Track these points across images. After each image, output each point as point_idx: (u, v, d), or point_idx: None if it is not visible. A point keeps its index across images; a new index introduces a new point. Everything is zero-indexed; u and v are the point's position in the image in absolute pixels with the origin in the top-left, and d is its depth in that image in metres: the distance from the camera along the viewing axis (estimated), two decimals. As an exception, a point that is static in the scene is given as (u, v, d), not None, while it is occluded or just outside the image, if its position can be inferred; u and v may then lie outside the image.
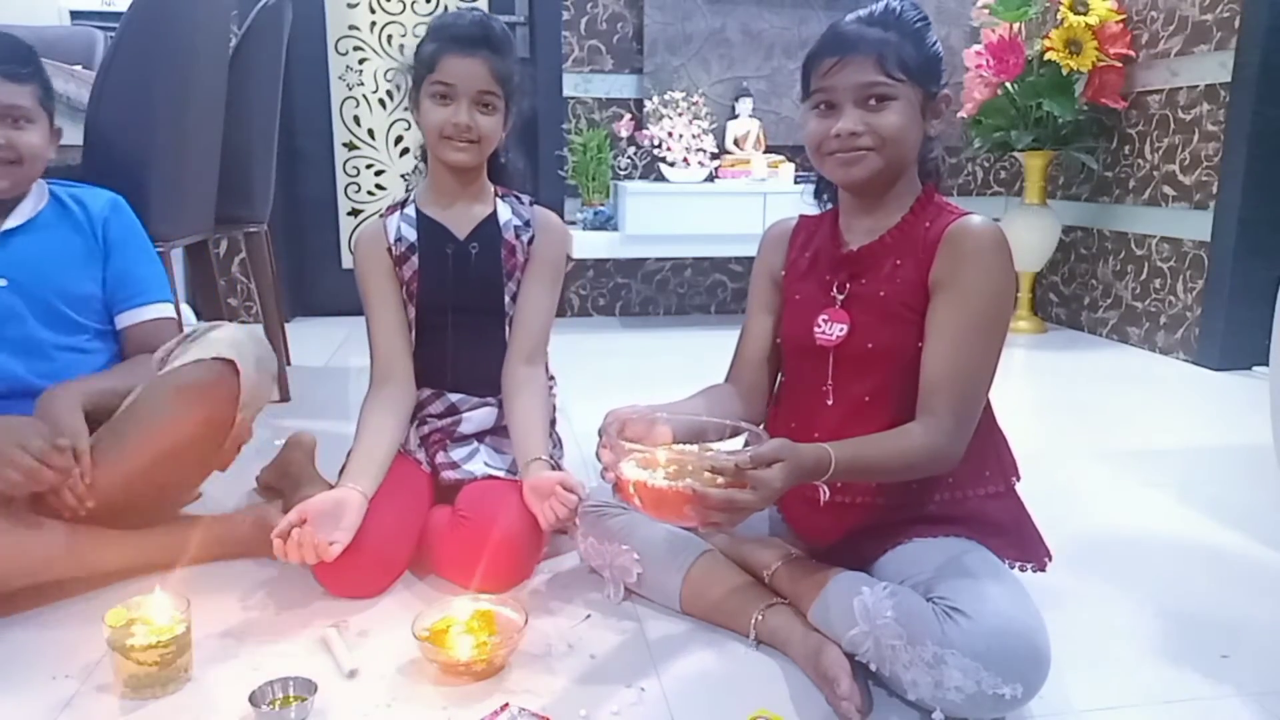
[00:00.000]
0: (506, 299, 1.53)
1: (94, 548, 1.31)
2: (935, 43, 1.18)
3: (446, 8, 3.67)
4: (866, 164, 1.15)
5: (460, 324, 1.52)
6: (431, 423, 1.53)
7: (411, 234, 1.51)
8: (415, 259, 1.50)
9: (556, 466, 1.45)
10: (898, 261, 1.18)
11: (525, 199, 1.58)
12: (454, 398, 1.53)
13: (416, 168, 1.60)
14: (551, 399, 1.61)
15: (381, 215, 1.55)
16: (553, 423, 1.62)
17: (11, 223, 1.41)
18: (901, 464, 1.11)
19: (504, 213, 1.54)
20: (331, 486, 1.38)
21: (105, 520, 1.31)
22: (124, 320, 1.49)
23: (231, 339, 1.39)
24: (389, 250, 1.51)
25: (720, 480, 0.97)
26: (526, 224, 1.54)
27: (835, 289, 1.23)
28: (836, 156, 1.16)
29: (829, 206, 1.31)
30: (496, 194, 1.55)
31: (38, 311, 1.40)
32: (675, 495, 0.97)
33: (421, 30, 3.61)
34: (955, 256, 1.13)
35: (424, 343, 1.54)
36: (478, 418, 1.53)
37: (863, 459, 1.08)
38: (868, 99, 1.13)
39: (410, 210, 1.53)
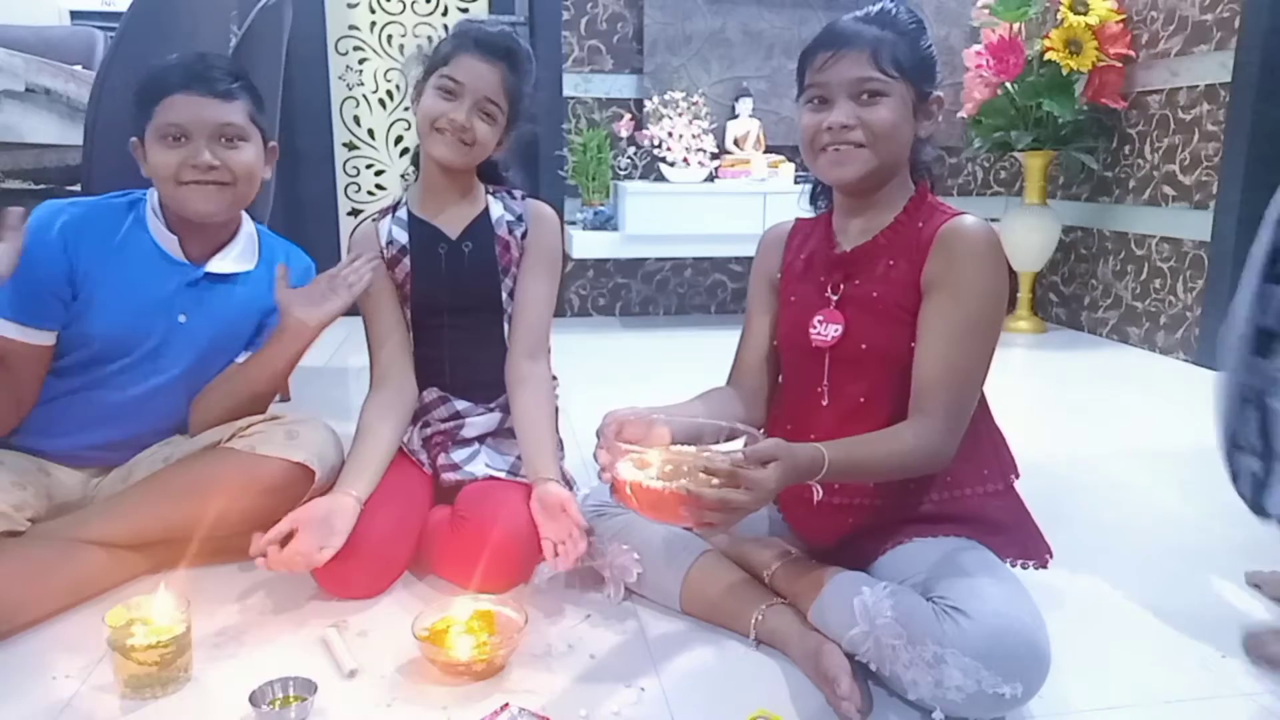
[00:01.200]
0: (504, 295, 1.53)
1: (109, 570, 1.32)
2: (929, 46, 1.19)
3: (447, 8, 3.68)
4: (858, 163, 1.15)
5: (457, 324, 1.52)
6: (435, 424, 1.53)
7: (403, 236, 1.51)
8: (407, 261, 1.50)
9: (569, 485, 1.45)
10: (891, 262, 1.18)
11: (517, 193, 1.57)
12: (459, 405, 1.52)
13: (408, 171, 1.60)
14: (553, 400, 1.61)
15: (374, 219, 1.55)
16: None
17: (219, 266, 1.41)
18: (894, 463, 1.11)
19: (496, 209, 1.53)
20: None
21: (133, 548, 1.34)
22: (239, 357, 1.47)
23: (319, 449, 1.40)
24: (381, 253, 1.50)
25: (715, 481, 0.97)
26: (519, 218, 1.54)
27: (830, 290, 1.23)
28: (828, 154, 1.17)
29: (825, 210, 1.31)
30: (488, 191, 1.55)
31: (198, 360, 1.42)
32: (670, 496, 0.97)
33: (421, 30, 3.65)
34: (948, 256, 1.14)
35: (422, 343, 1.53)
36: (481, 423, 1.53)
37: (856, 458, 1.08)
38: (860, 94, 1.14)
39: (402, 213, 1.53)
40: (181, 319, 1.39)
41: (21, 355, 1.32)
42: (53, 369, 1.37)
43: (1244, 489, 1.22)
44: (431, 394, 1.53)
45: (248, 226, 1.47)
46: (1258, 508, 1.21)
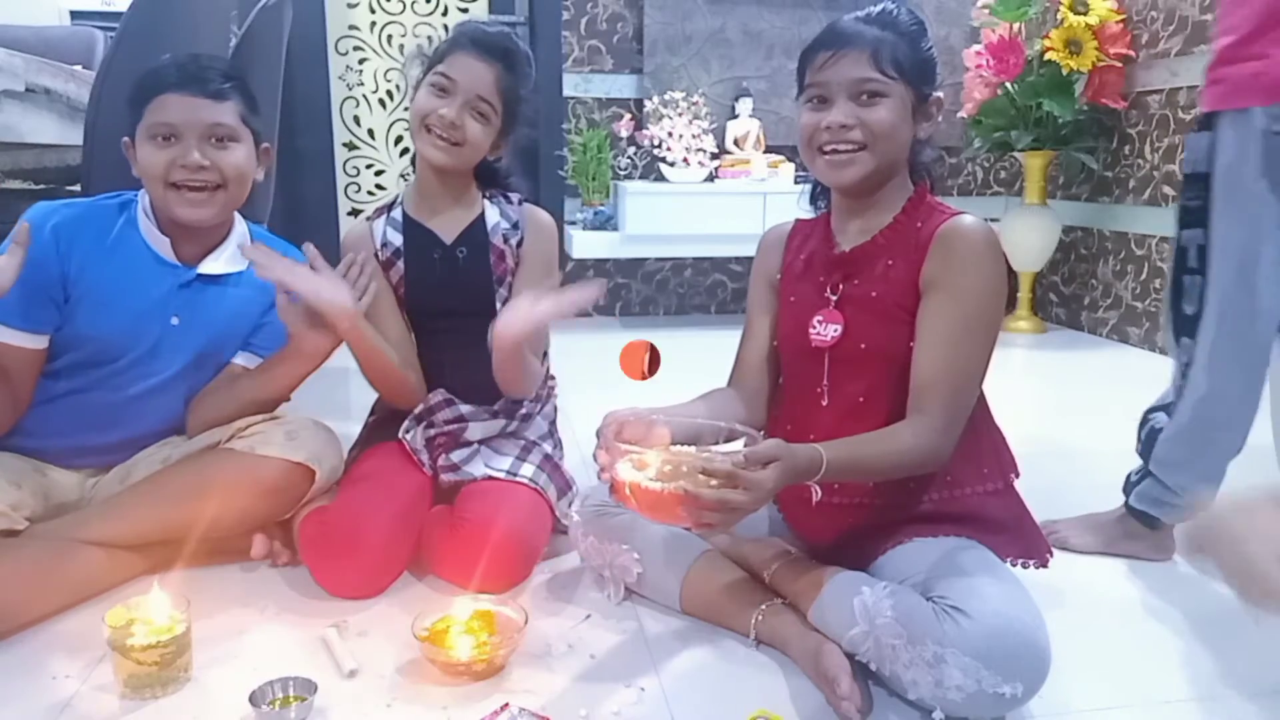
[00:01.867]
0: (498, 305, 1.51)
1: (108, 571, 1.32)
2: (930, 47, 1.19)
3: (447, 8, 3.68)
4: (857, 166, 1.15)
5: (454, 328, 1.51)
6: (439, 425, 1.52)
7: (397, 239, 1.50)
8: (401, 264, 1.49)
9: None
10: (890, 261, 1.19)
11: (514, 197, 1.55)
12: (464, 409, 1.51)
13: (408, 170, 1.60)
14: (553, 400, 1.61)
15: (369, 219, 1.54)
16: (552, 423, 1.61)
17: (210, 267, 1.40)
18: (893, 462, 1.11)
19: (492, 215, 1.51)
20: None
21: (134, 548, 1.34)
22: (236, 359, 1.46)
23: (319, 449, 1.39)
24: (375, 255, 1.49)
25: (713, 481, 0.97)
26: (515, 226, 1.52)
27: (829, 290, 1.23)
28: (828, 158, 1.17)
29: (824, 211, 1.31)
30: (484, 195, 1.53)
31: (192, 361, 1.41)
32: (669, 497, 0.97)
33: (421, 30, 3.65)
34: (946, 256, 1.14)
35: (421, 346, 1.53)
36: (484, 428, 1.52)
37: (855, 458, 1.08)
38: (860, 94, 1.14)
39: (396, 214, 1.52)
40: (174, 321, 1.39)
41: (14, 358, 1.32)
42: (47, 371, 1.36)
43: (1143, 435, 1.51)
44: (437, 396, 1.52)
45: (240, 227, 1.46)
46: (1145, 453, 1.50)
